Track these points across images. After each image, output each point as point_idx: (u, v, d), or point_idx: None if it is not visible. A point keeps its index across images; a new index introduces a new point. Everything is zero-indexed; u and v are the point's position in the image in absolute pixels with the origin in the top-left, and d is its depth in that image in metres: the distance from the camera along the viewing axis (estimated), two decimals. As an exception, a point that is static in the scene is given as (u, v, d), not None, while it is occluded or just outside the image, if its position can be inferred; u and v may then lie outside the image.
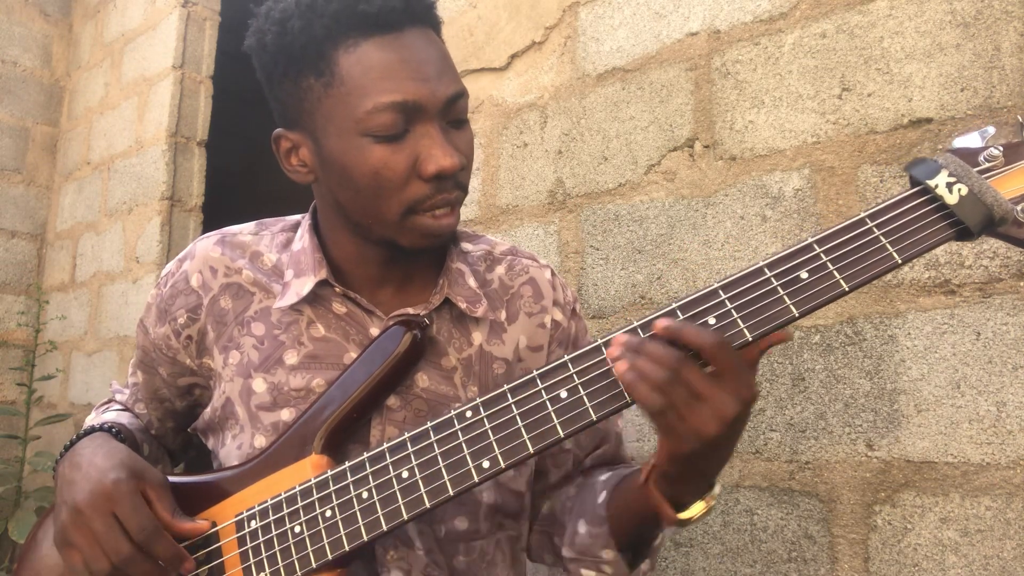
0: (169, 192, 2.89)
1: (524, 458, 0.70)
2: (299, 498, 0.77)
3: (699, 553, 1.44)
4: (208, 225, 2.76)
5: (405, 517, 0.72)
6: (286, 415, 0.85)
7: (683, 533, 1.47)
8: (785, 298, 0.66)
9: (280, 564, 0.76)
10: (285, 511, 0.78)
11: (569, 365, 0.70)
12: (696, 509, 0.73)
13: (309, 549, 0.75)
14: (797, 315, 0.66)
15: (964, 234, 0.65)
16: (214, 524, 0.80)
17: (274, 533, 0.77)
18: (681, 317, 0.68)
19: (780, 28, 1.44)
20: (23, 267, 3.49)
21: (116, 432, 0.88)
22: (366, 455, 0.76)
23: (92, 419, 0.99)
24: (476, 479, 0.71)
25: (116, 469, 0.77)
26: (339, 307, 0.87)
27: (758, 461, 1.39)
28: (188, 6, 3.00)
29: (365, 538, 0.73)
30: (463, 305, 0.88)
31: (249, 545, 0.78)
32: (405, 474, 0.73)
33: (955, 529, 1.17)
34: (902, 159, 1.28)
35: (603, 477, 0.89)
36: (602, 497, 0.84)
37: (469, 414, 0.73)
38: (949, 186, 0.64)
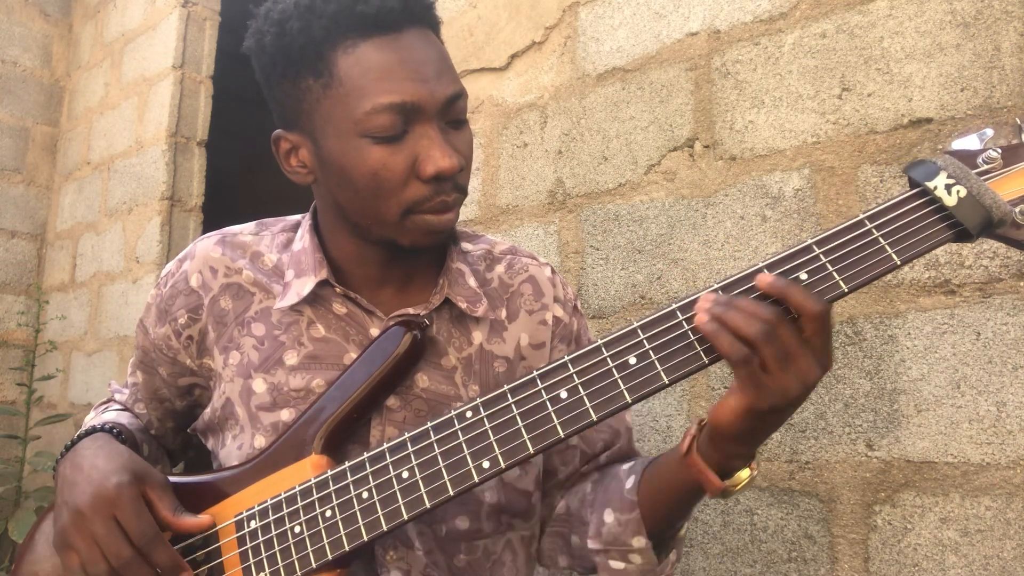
0: (169, 192, 2.89)
1: (524, 458, 0.70)
2: (299, 498, 0.77)
3: (699, 553, 1.44)
4: (208, 225, 2.76)
5: (405, 517, 0.72)
6: (286, 415, 0.85)
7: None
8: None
9: (280, 564, 0.76)
10: (285, 511, 0.78)
11: (569, 365, 0.70)
12: (742, 476, 0.72)
13: (309, 549, 0.75)
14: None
15: (963, 236, 0.65)
16: (215, 521, 0.80)
17: (274, 533, 0.77)
18: (681, 317, 0.68)
19: (780, 28, 1.44)
20: (23, 267, 3.49)
21: (117, 433, 0.88)
22: (366, 455, 0.76)
23: (91, 419, 0.99)
24: (476, 479, 0.71)
25: (118, 472, 0.77)
26: (339, 307, 0.87)
27: (759, 456, 1.39)
28: (188, 6, 3.00)
29: (365, 538, 0.73)
30: (463, 305, 0.88)
31: (249, 545, 0.78)
32: (405, 474, 0.73)
33: (955, 529, 1.17)
34: (902, 159, 1.28)
35: (626, 466, 0.88)
36: (630, 482, 0.83)
37: (469, 414, 0.73)
38: (948, 188, 0.65)
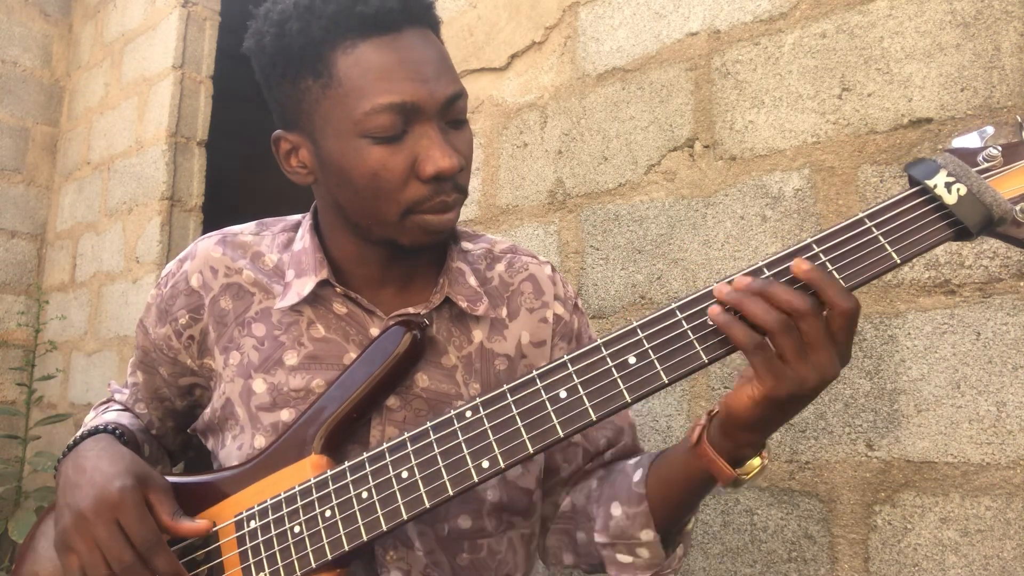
0: (169, 192, 2.89)
1: (524, 458, 0.70)
2: (298, 498, 0.77)
3: (699, 553, 1.44)
4: (208, 225, 2.76)
5: (404, 517, 0.72)
6: (286, 416, 0.84)
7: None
8: None
9: (280, 564, 0.76)
10: (284, 511, 0.78)
11: (568, 364, 0.70)
12: (754, 464, 0.72)
13: (308, 549, 0.75)
14: None
15: (963, 234, 0.65)
16: (214, 524, 0.80)
17: (273, 533, 0.77)
18: (681, 316, 0.68)
19: (780, 28, 1.44)
20: (23, 267, 3.49)
21: (120, 434, 0.88)
22: (365, 455, 0.76)
23: (92, 419, 0.99)
24: (476, 479, 0.71)
25: (122, 476, 0.77)
26: (340, 307, 0.87)
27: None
28: (188, 6, 3.00)
29: (364, 538, 0.73)
30: (464, 304, 0.88)
31: (248, 545, 0.78)
32: (404, 474, 0.73)
33: (955, 529, 1.17)
34: (902, 159, 1.28)
35: (633, 461, 0.88)
36: (638, 476, 0.83)
37: (468, 414, 0.73)
38: (948, 186, 0.64)
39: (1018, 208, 0.64)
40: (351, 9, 0.77)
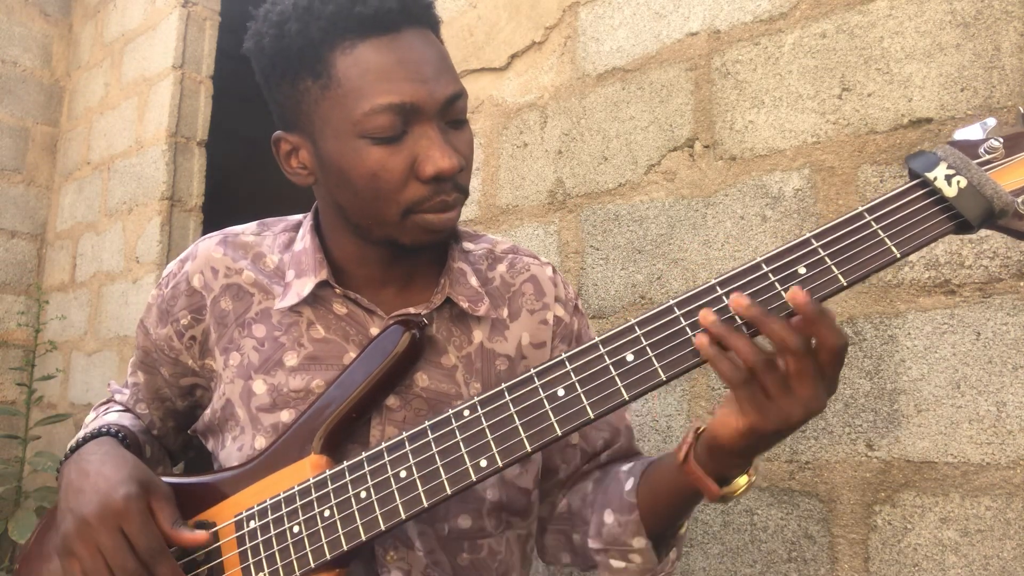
0: (169, 192, 2.89)
1: (522, 457, 0.70)
2: (298, 498, 0.77)
3: (699, 553, 1.44)
4: (208, 225, 2.76)
5: (403, 516, 0.72)
6: (286, 416, 0.84)
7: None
8: (782, 294, 0.65)
9: (279, 564, 0.76)
10: (284, 511, 0.77)
11: (566, 363, 0.70)
12: (741, 482, 0.73)
13: (308, 549, 0.75)
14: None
15: (963, 227, 0.63)
16: (214, 526, 0.80)
17: (273, 533, 0.77)
18: (679, 313, 0.68)
19: (780, 28, 1.44)
20: (23, 267, 3.49)
21: (122, 437, 0.88)
22: (364, 455, 0.76)
23: (92, 420, 0.99)
24: (474, 478, 0.71)
25: (126, 482, 0.77)
26: (339, 308, 0.87)
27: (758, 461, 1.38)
28: (188, 6, 3.00)
29: (363, 538, 0.73)
30: (465, 304, 0.88)
31: (248, 545, 0.78)
32: (403, 473, 0.73)
33: (955, 529, 1.17)
34: (902, 159, 1.28)
35: (626, 467, 0.88)
36: (630, 484, 0.83)
37: (466, 413, 0.72)
38: (948, 178, 0.63)
39: (1019, 200, 0.62)
40: (350, 10, 0.77)
